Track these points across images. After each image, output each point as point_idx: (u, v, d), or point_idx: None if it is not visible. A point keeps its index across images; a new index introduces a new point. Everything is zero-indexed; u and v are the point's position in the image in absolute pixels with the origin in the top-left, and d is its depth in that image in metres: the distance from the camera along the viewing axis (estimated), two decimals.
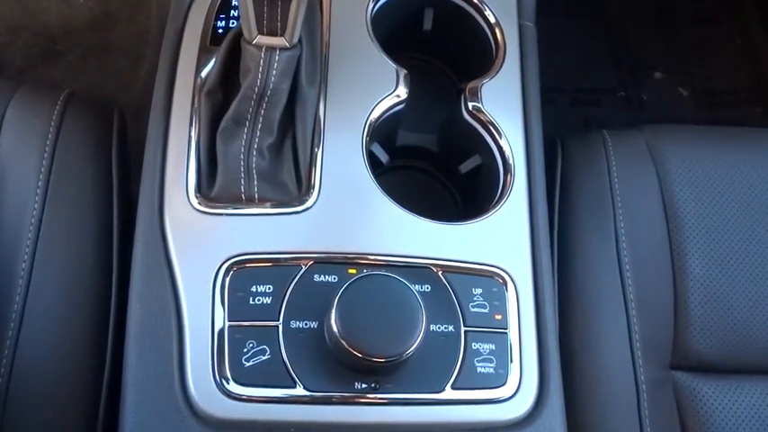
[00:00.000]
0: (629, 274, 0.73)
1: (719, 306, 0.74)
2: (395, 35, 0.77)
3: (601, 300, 0.72)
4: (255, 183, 0.60)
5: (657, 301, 0.74)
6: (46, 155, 0.72)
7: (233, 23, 0.70)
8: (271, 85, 0.60)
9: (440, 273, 0.59)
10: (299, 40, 0.63)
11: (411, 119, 0.74)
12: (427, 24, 0.79)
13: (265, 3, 0.57)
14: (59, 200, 0.71)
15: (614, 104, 1.55)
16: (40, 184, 0.70)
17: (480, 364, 0.57)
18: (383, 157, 0.72)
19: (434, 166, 0.78)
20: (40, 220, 0.69)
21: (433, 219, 0.63)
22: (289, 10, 0.58)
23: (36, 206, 0.69)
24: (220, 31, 0.69)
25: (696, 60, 1.58)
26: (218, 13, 0.71)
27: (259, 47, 0.60)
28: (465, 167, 0.72)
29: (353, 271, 0.57)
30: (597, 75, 1.55)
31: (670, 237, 0.76)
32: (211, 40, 0.68)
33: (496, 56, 0.73)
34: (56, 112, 0.75)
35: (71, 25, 1.46)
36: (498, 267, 0.61)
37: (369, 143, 0.67)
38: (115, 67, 1.44)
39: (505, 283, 0.61)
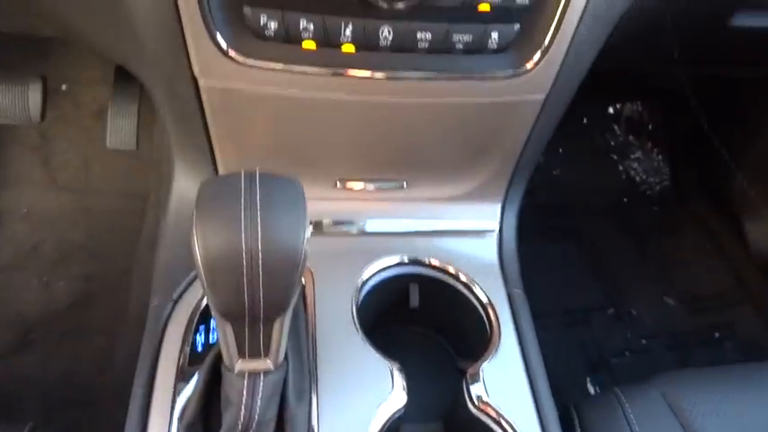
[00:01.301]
0: None
1: None
2: (387, 314, 0.74)
3: None
4: None
5: None
6: None
7: (213, 336, 0.67)
8: (256, 416, 0.55)
9: None
10: (285, 355, 0.59)
11: (413, 407, 0.68)
12: (414, 302, 0.77)
13: (246, 327, 0.54)
14: None
15: (606, 322, 1.53)
16: None
17: None
18: None
19: None
20: None
21: None
22: (272, 332, 0.55)
23: None
24: (200, 348, 0.65)
25: (674, 268, 1.62)
26: (198, 323, 0.68)
27: (241, 374, 0.55)
28: None
29: None
30: (583, 295, 1.55)
31: None
32: (190, 359, 0.64)
33: (491, 334, 0.70)
34: None
35: (48, 311, 1.44)
36: None
37: None
38: (91, 348, 1.38)
39: None
